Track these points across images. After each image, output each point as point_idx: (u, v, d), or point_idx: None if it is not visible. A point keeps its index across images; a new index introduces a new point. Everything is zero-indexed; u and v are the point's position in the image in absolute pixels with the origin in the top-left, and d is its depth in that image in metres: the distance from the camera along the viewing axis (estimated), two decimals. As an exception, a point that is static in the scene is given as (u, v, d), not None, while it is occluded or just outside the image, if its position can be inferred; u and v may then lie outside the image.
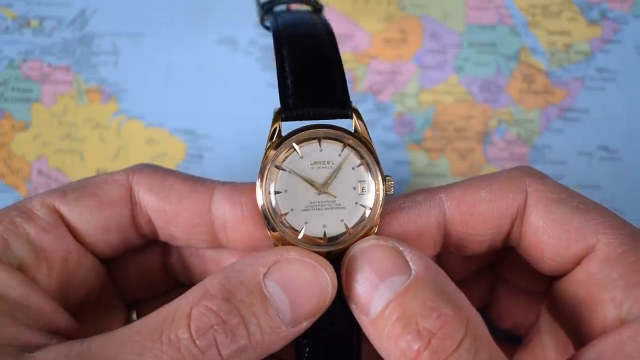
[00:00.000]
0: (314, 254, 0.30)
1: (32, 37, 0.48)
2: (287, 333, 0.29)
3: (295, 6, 0.41)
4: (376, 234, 0.32)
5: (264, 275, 0.29)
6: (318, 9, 0.41)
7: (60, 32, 0.48)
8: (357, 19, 0.48)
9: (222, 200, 0.33)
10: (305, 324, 0.29)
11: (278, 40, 0.34)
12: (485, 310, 0.41)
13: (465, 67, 0.48)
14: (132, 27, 0.48)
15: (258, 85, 0.48)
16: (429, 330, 0.27)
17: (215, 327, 0.27)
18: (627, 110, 0.47)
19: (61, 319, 0.30)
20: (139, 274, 0.37)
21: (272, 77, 0.48)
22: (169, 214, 0.33)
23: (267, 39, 0.48)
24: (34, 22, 0.48)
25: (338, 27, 0.47)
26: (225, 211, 0.33)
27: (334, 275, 0.30)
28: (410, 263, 0.29)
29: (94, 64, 0.48)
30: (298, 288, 0.29)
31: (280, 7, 0.40)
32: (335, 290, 0.30)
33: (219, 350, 0.27)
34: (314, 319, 0.30)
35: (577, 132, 0.47)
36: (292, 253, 0.30)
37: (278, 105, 0.32)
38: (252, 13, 0.48)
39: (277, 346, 0.29)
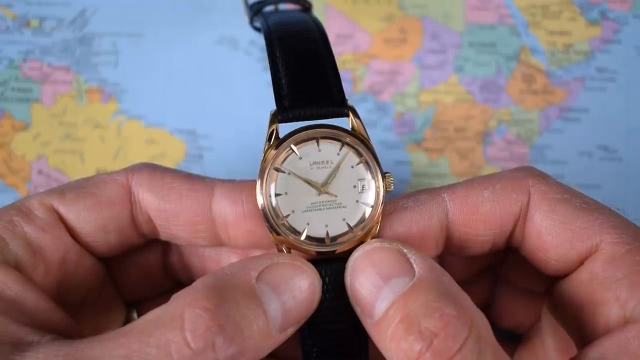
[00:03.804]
0: (304, 260, 0.30)
1: (32, 37, 0.48)
2: (275, 339, 0.28)
3: (289, 6, 0.40)
4: (379, 233, 0.32)
5: (256, 279, 0.28)
6: (307, 8, 0.40)
7: (60, 32, 0.48)
8: (357, 19, 0.48)
9: (223, 197, 0.33)
10: (290, 331, 0.29)
11: (269, 40, 0.33)
12: (486, 309, 0.41)
13: (465, 67, 0.48)
14: (132, 27, 0.48)
15: (258, 85, 0.48)
16: (431, 331, 0.26)
17: (213, 329, 0.26)
18: (627, 110, 0.47)
19: (57, 317, 0.29)
20: (139, 273, 0.37)
21: (272, 77, 0.48)
22: (169, 213, 0.33)
23: (267, 39, 0.48)
24: (34, 22, 0.48)
25: (338, 27, 0.47)
26: (226, 209, 0.33)
27: (320, 283, 0.30)
28: (414, 265, 0.29)
29: (94, 64, 0.48)
30: (290, 292, 0.29)
31: (270, 8, 0.40)
32: (319, 298, 0.30)
33: (215, 354, 0.26)
34: (298, 326, 0.30)
35: (577, 132, 0.47)
36: (283, 257, 0.30)
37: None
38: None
39: (265, 352, 0.28)
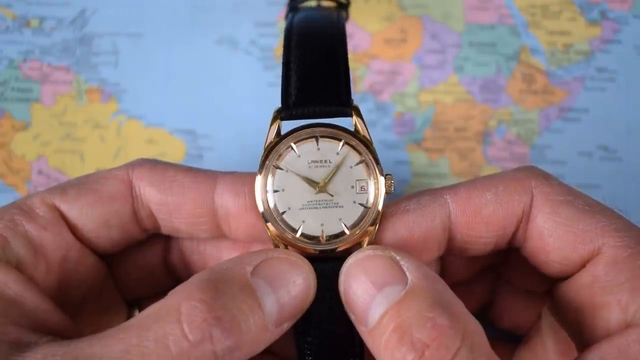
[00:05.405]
0: (299, 255, 0.30)
1: (32, 37, 0.48)
2: (272, 334, 0.28)
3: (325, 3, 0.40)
4: (381, 235, 0.32)
5: (251, 274, 0.28)
6: (343, 6, 0.40)
7: (60, 32, 0.48)
8: (357, 18, 0.48)
9: (225, 190, 0.33)
10: (286, 325, 0.29)
11: (288, 36, 0.33)
12: (486, 309, 0.41)
13: (465, 67, 0.48)
14: (132, 27, 0.48)
15: (258, 85, 0.48)
16: (423, 342, 0.26)
17: (210, 320, 0.26)
18: (627, 110, 0.47)
19: (56, 318, 0.29)
20: (140, 272, 0.37)
21: (272, 77, 0.48)
22: (171, 206, 0.33)
23: (267, 39, 0.48)
24: (34, 22, 0.48)
25: (338, 27, 0.47)
26: (228, 201, 0.33)
27: (315, 278, 0.30)
28: (407, 272, 0.29)
29: (94, 64, 0.48)
30: (285, 286, 0.29)
31: (309, 4, 0.39)
32: (314, 293, 0.30)
33: (213, 346, 0.26)
34: (294, 320, 0.30)
35: (577, 132, 0.47)
36: (278, 252, 0.30)
37: (278, 105, 0.32)
38: (252, 13, 0.48)
39: (261, 347, 0.28)
